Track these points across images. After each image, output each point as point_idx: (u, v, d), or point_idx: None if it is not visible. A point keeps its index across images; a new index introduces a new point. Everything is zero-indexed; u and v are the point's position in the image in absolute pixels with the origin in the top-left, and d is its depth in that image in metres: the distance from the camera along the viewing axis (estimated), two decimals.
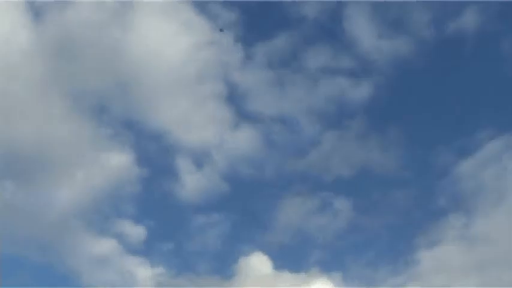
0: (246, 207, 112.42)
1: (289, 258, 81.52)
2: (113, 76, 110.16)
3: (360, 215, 66.10)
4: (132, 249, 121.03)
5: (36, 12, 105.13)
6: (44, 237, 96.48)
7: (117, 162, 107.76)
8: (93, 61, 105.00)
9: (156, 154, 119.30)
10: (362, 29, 79.21)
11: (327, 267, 66.46)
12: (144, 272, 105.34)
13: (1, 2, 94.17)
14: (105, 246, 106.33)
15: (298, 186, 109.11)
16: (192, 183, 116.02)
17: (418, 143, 67.87)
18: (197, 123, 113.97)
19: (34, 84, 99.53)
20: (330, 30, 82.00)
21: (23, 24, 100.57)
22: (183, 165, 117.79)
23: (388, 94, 72.46)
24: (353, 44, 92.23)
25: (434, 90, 69.32)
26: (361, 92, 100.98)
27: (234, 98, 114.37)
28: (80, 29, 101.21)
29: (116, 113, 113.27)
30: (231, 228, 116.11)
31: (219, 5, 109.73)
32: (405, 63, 71.15)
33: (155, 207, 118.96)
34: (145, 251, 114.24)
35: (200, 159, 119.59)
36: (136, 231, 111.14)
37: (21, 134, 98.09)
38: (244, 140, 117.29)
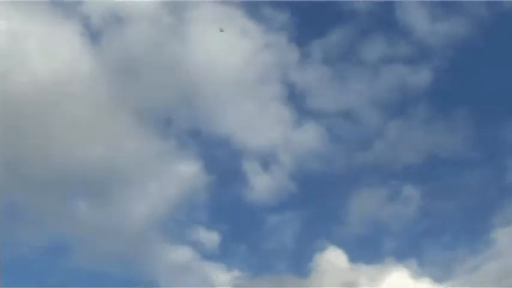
0: (317, 203, 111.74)
1: (364, 250, 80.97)
2: (175, 89, 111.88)
3: (432, 200, 65.31)
4: (208, 255, 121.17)
5: (94, 36, 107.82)
6: (123, 251, 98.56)
7: (187, 171, 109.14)
8: (155, 77, 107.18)
9: (223, 160, 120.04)
10: (415, 15, 78.27)
11: (402, 256, 65.90)
12: (221, 276, 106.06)
13: (60, 31, 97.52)
14: (182, 254, 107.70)
15: (367, 177, 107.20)
16: (260, 184, 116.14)
17: (484, 122, 66.51)
18: (261, 125, 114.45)
19: (100, 105, 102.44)
20: (384, 19, 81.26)
21: (83, 50, 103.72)
22: (250, 168, 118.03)
23: (449, 76, 71.37)
24: (408, 30, 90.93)
25: (494, 67, 67.81)
26: (421, 77, 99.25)
27: (295, 97, 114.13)
28: (138, 48, 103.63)
29: (181, 123, 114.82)
30: (304, 226, 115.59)
31: (270, 8, 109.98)
32: (463, 43, 69.91)
33: (226, 211, 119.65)
34: (221, 255, 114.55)
35: (266, 160, 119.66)
36: (210, 237, 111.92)
37: (93, 154, 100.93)
38: (308, 138, 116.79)
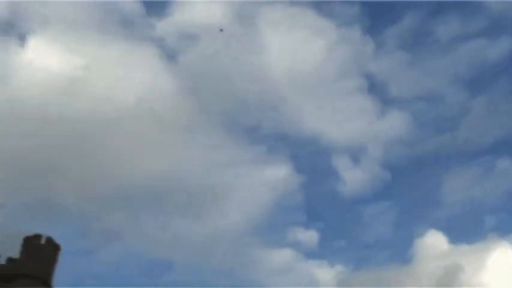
0: (411, 189, 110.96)
1: (464, 230, 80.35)
2: (257, 96, 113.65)
3: None
4: (309, 254, 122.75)
5: (171, 56, 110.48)
6: (225, 262, 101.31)
7: (278, 174, 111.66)
8: (236, 87, 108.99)
9: (312, 158, 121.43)
10: None
11: (504, 231, 65.13)
12: (324, 273, 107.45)
13: (141, 55, 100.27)
14: (283, 256, 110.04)
15: (458, 157, 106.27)
16: (352, 178, 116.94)
17: None
18: (346, 119, 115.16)
19: (186, 121, 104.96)
20: None
21: (162, 70, 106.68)
22: (341, 162, 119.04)
23: None
24: (481, 4, 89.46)
25: None
26: (500, 50, 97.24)
27: (376, 87, 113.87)
28: (215, 61, 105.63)
29: (268, 128, 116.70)
30: (401, 213, 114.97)
31: (338, 4, 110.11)
32: None
33: (322, 209, 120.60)
34: (321, 252, 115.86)
35: (356, 153, 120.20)
36: (309, 236, 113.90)
37: (185, 168, 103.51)
38: (394, 125, 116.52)
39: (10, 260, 47.31)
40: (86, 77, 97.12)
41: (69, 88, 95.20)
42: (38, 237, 48.43)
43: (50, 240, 48.64)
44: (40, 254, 47.58)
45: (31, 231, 48.72)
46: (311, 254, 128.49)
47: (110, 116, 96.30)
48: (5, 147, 79.20)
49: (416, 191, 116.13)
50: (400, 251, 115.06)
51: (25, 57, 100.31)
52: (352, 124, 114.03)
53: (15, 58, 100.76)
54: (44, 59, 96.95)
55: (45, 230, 49.32)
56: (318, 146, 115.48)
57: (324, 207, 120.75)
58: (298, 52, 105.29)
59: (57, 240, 48.99)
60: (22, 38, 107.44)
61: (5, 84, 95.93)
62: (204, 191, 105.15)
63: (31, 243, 48.04)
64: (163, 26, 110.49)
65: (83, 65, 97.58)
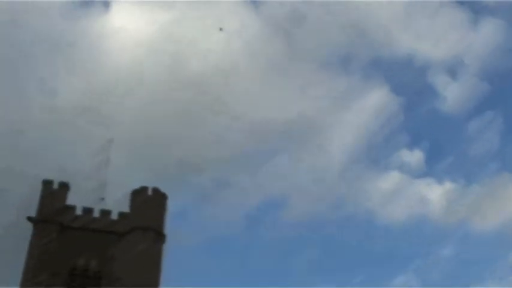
0: None
1: None
2: (345, 26, 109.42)
3: None
4: (416, 174, 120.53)
5: (254, 2, 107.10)
6: (332, 192, 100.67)
7: (377, 99, 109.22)
8: (321, 22, 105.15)
9: (409, 79, 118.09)
10: None
11: None
12: (433, 191, 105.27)
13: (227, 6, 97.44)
14: (390, 179, 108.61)
15: None
16: (452, 94, 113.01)
17: None
18: (438, 35, 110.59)
19: (275, 65, 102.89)
20: None
21: (249, 14, 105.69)
22: (438, 79, 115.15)
23: None
24: None
25: None
26: None
27: None
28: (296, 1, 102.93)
29: (361, 56, 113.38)
30: (506, 122, 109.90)
31: None
32: None
33: (424, 128, 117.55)
34: (429, 171, 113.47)
35: (452, 68, 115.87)
36: (414, 156, 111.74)
37: (283, 107, 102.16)
38: (489, 35, 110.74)
39: (121, 214, 47.60)
40: (173, 32, 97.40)
41: (160, 47, 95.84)
42: (144, 189, 48.43)
43: (156, 190, 48.57)
44: (149, 205, 47.63)
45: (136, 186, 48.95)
46: (419, 175, 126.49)
47: (207, 69, 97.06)
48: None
49: None
50: (510, 160, 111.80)
51: (111, 22, 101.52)
52: (445, 39, 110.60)
53: (101, 24, 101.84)
54: (130, 22, 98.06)
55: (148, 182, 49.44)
56: (413, 66, 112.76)
57: (427, 126, 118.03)
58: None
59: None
60: (106, 5, 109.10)
61: (98, 52, 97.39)
62: (303, 128, 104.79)
63: (139, 195, 48.13)
64: None
65: (170, 20, 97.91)
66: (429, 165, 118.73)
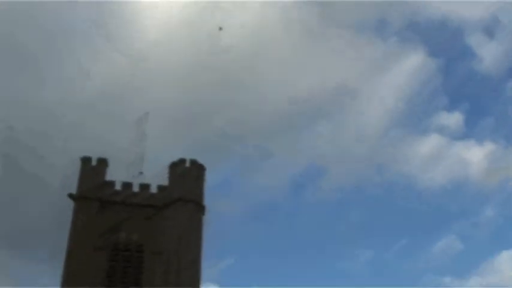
0: None
1: None
2: None
3: None
4: (456, 136, 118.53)
5: None
6: (372, 157, 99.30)
7: (413, 63, 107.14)
8: None
9: (446, 41, 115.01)
10: None
11: None
12: (474, 153, 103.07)
13: None
14: (430, 142, 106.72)
15: None
16: (489, 54, 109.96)
17: None
18: None
19: (308, 32, 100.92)
20: None
21: None
22: (475, 40, 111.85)
23: None
24: None
25: None
26: None
27: None
28: None
29: (396, 20, 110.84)
30: None
31: None
32: None
33: (463, 89, 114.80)
34: (468, 133, 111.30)
35: (488, 28, 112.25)
36: (453, 118, 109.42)
37: (321, 76, 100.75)
38: None
39: (160, 188, 47.60)
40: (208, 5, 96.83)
41: (195, 18, 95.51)
42: (182, 161, 48.27)
43: (194, 162, 48.35)
44: (187, 177, 47.50)
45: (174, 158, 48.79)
46: (458, 137, 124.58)
47: (244, 38, 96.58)
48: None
49: None
50: None
51: None
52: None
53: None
54: None
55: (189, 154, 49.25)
56: (449, 28, 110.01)
57: (465, 88, 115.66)
58: None
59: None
60: None
61: (133, 28, 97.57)
62: (342, 93, 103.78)
63: (177, 168, 48.00)
64: None
65: None
66: (469, 126, 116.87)
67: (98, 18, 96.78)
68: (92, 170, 47.51)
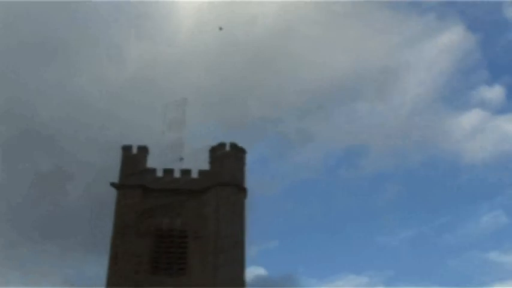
0: None
1: None
2: None
3: None
4: (498, 110, 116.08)
5: None
6: (413, 133, 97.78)
7: (451, 38, 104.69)
8: None
9: (484, 15, 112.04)
10: None
11: None
12: None
13: None
14: (471, 117, 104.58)
15: None
16: None
17: None
18: None
19: (348, 11, 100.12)
20: None
21: None
22: None
23: None
24: None
25: None
26: None
27: None
28: None
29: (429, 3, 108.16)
30: None
31: None
32: None
33: (504, 63, 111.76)
34: (510, 107, 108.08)
35: None
36: (494, 92, 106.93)
37: (360, 58, 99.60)
38: None
39: (201, 172, 47.60)
40: None
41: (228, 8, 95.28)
42: (222, 145, 48.15)
43: (234, 145, 48.19)
44: (228, 161, 47.37)
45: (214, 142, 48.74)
46: (501, 110, 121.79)
47: (277, 21, 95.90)
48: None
49: None
50: None
51: None
52: None
53: None
54: None
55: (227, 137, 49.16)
56: (489, 2, 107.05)
57: (505, 61, 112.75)
58: None
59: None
60: None
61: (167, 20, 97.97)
62: (380, 71, 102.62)
63: (217, 152, 47.92)
64: None
65: None
66: (511, 100, 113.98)
67: (135, 10, 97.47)
68: (133, 158, 47.74)
